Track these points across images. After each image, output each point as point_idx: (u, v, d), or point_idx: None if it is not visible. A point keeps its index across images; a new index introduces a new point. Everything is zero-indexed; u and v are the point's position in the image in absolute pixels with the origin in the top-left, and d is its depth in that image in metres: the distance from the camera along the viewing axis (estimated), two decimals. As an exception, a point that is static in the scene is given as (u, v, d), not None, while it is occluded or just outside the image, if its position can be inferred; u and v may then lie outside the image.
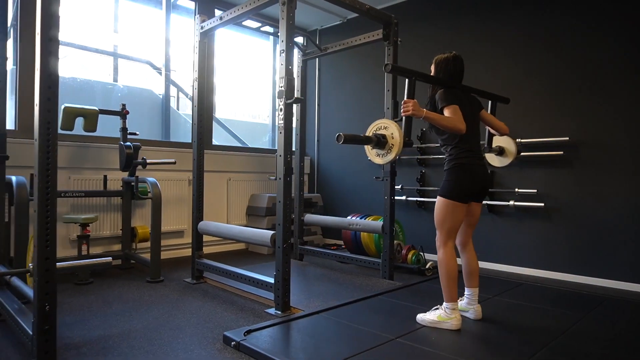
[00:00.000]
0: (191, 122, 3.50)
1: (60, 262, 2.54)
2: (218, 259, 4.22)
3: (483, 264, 4.14)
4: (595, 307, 2.82)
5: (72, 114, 3.39)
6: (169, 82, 4.77)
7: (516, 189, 3.88)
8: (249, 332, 2.24)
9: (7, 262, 2.85)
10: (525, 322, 2.51)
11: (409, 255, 3.88)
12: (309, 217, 4.16)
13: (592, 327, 2.45)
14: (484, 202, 4.06)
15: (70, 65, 4.18)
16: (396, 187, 4.63)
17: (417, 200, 4.57)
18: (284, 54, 2.65)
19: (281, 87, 2.65)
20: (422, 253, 3.94)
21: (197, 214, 3.44)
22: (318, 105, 5.66)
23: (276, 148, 2.71)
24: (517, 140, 3.83)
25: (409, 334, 2.28)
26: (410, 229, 4.68)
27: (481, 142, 2.59)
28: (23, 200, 2.80)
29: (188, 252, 4.36)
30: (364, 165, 4.97)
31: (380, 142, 2.26)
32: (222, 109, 5.90)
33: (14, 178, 2.85)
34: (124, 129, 3.70)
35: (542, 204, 3.74)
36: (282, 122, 2.67)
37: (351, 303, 2.81)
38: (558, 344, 2.17)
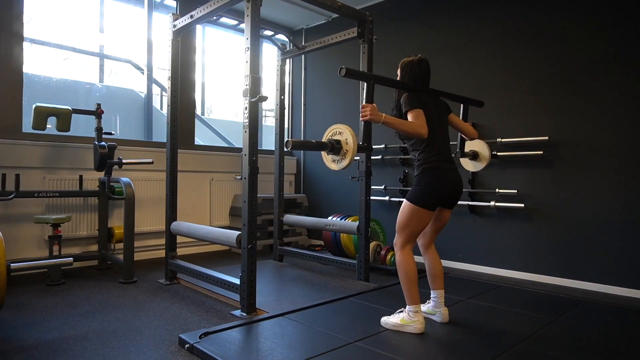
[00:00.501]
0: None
1: (20, 263, 2.52)
2: (199, 260, 4.21)
3: (462, 266, 4.08)
4: (568, 310, 2.75)
5: (43, 114, 3.36)
6: (151, 81, 4.74)
7: (497, 190, 3.82)
8: (206, 334, 2.20)
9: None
10: (493, 326, 2.45)
11: (388, 257, 3.83)
12: (288, 217, 4.12)
13: (560, 330, 2.39)
14: (466, 202, 4.00)
15: (50, 65, 4.16)
16: (379, 187, 4.61)
17: (400, 201, 4.51)
18: (249, 52, 2.61)
19: (246, 85, 2.61)
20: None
21: (170, 214, 3.41)
22: (304, 104, 5.63)
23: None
24: (497, 139, 3.79)
25: (370, 337, 2.23)
26: (393, 230, 4.62)
27: (453, 145, 2.54)
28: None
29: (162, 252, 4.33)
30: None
31: (334, 147, 2.17)
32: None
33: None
34: (98, 129, 3.67)
35: (522, 205, 3.68)
36: (246, 120, 2.62)
37: (319, 305, 2.76)
38: (520, 349, 2.11)
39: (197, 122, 5.01)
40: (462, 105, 2.83)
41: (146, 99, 4.77)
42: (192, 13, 3.15)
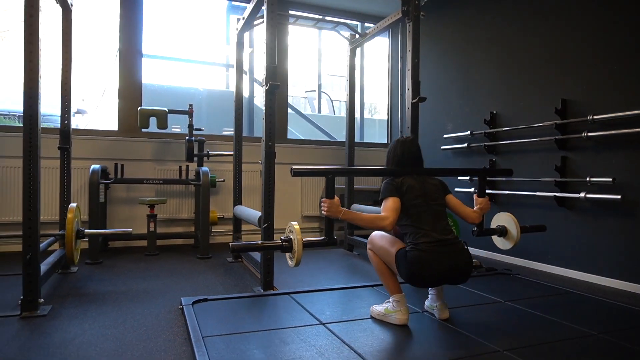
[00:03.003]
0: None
1: (93, 230, 3.17)
2: None
3: (549, 269, 3.47)
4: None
5: (146, 115, 4.10)
6: (252, 82, 5.28)
7: (588, 178, 3.14)
8: (204, 300, 2.44)
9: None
10: (495, 330, 2.10)
11: (451, 251, 3.50)
12: (354, 206, 4.11)
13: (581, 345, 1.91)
14: (552, 193, 3.40)
15: (160, 74, 5.04)
16: (464, 178, 4.23)
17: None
18: (265, 43, 2.77)
19: (263, 74, 2.78)
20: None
21: (235, 199, 3.78)
22: (400, 94, 5.47)
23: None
24: (589, 117, 3.12)
25: (341, 322, 2.16)
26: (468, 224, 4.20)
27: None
28: (94, 184, 3.57)
29: (259, 237, 4.77)
30: (438, 155, 4.65)
31: (285, 247, 2.10)
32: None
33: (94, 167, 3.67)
34: (190, 126, 4.29)
35: (619, 197, 2.95)
36: (264, 108, 2.79)
37: (334, 290, 2.75)
38: (496, 356, 1.78)
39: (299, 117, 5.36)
40: (477, 178, 2.48)
41: (249, 99, 5.34)
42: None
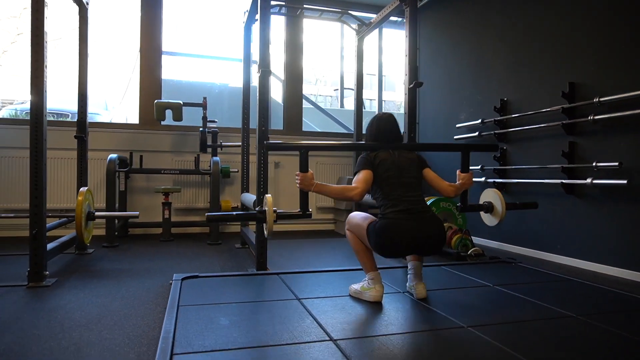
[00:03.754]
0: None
1: (103, 212, 3.37)
2: (300, 235, 4.62)
3: (558, 259, 3.35)
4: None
5: (162, 107, 4.30)
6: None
7: (595, 163, 3.01)
8: (192, 277, 2.56)
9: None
10: (469, 309, 2.08)
11: (454, 239, 3.46)
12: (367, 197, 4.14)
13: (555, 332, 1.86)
14: (560, 180, 3.28)
15: (182, 70, 5.25)
16: (475, 167, 4.16)
17: (494, 182, 3.96)
18: (260, 31, 2.86)
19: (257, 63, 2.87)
20: (467, 237, 3.45)
21: (243, 187, 3.90)
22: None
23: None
24: (595, 99, 2.99)
25: (322, 298, 2.21)
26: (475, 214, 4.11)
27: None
28: (110, 172, 3.80)
29: (283, 227, 4.90)
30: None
31: (259, 218, 2.19)
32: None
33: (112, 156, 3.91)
34: (203, 118, 4.46)
35: (625, 181, 2.81)
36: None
37: (322, 272, 2.78)
38: (457, 332, 1.77)
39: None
40: (460, 153, 2.44)
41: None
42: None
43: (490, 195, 2.57)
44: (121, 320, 1.94)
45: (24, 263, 2.56)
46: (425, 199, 3.67)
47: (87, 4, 3.49)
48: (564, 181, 3.25)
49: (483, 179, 4.10)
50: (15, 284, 2.47)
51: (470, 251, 3.31)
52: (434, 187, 2.31)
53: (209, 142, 4.46)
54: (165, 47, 4.83)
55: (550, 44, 3.50)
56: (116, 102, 5.61)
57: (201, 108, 4.49)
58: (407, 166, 2.21)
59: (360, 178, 2.13)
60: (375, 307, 2.09)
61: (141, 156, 4.41)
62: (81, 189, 3.07)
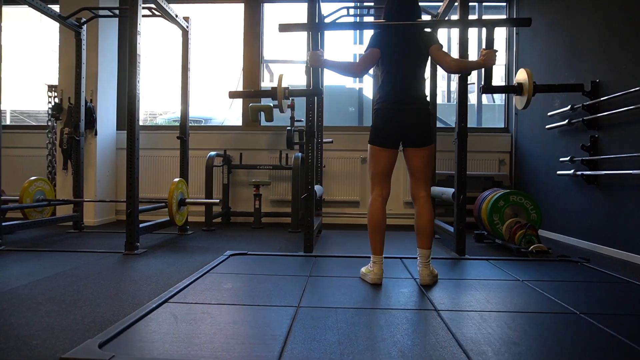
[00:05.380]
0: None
1: (193, 199, 4.01)
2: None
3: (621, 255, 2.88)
4: None
5: (255, 110, 4.87)
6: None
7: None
8: (241, 254, 2.96)
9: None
10: (460, 297, 2.02)
11: (518, 234, 3.22)
12: (434, 189, 4.08)
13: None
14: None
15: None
16: (564, 158, 3.77)
17: (582, 174, 3.52)
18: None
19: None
20: (533, 232, 3.17)
21: (316, 179, 4.21)
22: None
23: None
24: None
25: (330, 277, 2.39)
26: (572, 210, 3.68)
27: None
28: (209, 167, 4.49)
29: (361, 220, 5.11)
30: (546, 135, 4.20)
31: (271, 92, 2.52)
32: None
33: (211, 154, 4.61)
34: (291, 118, 4.89)
35: None
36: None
37: (361, 257, 2.92)
38: (423, 314, 1.79)
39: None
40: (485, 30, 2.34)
41: (358, 91, 5.72)
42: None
43: (521, 76, 2.40)
44: (163, 279, 2.42)
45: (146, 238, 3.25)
46: (493, 193, 3.51)
47: (188, 28, 4.20)
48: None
49: (572, 171, 3.67)
50: (116, 251, 3.20)
51: (532, 247, 3.06)
52: (438, 64, 2.32)
53: (296, 140, 4.88)
54: (267, 55, 5.44)
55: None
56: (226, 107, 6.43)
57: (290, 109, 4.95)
58: (414, 44, 2.28)
59: (366, 56, 2.30)
60: (370, 288, 2.18)
61: (241, 153, 5.07)
62: (174, 180, 3.75)
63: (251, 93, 3.22)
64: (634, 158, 3.04)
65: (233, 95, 2.77)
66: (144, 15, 4.11)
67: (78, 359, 1.26)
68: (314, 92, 2.60)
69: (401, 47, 2.27)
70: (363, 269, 2.37)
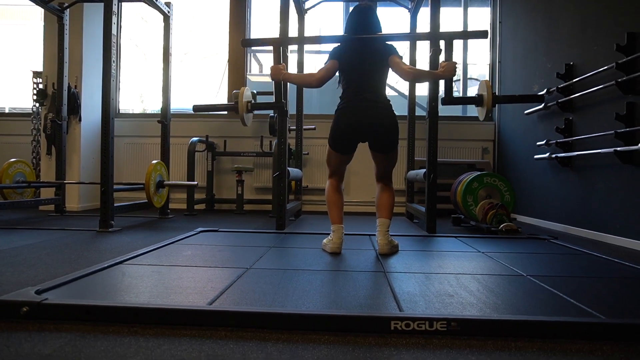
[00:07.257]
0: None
1: (172, 181, 4.03)
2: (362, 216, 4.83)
3: (609, 239, 2.89)
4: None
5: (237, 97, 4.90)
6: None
7: (646, 124, 2.54)
8: (212, 230, 2.99)
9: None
10: (411, 263, 2.04)
11: (489, 214, 3.24)
12: (410, 173, 4.10)
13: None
14: (612, 148, 2.83)
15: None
16: (541, 143, 3.79)
17: (557, 157, 3.54)
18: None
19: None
20: (503, 212, 3.18)
21: (296, 164, 4.24)
22: (499, 62, 5.05)
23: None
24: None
25: (291, 248, 2.41)
26: (548, 194, 3.69)
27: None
28: (191, 152, 4.51)
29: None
30: (527, 121, 4.22)
31: (234, 107, 2.55)
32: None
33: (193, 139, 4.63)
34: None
35: (675, 142, 2.33)
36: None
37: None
38: (369, 274, 1.81)
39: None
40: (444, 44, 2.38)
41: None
42: None
43: (480, 87, 2.46)
44: (128, 250, 2.44)
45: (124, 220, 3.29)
46: (468, 175, 3.53)
47: (169, 13, 4.23)
48: (619, 149, 2.79)
49: (547, 154, 3.69)
50: (91, 229, 3.23)
51: (501, 226, 3.08)
52: (395, 72, 2.32)
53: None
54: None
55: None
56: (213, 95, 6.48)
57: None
58: (371, 55, 2.30)
59: (324, 67, 2.32)
60: (327, 257, 2.20)
61: (225, 140, 5.10)
62: (151, 162, 3.78)
63: (215, 107, 3.33)
64: (602, 138, 3.05)
65: (197, 109, 2.86)
66: (124, 0, 4.16)
67: (12, 301, 1.28)
68: (278, 106, 2.63)
69: (359, 58, 2.29)
70: (324, 240, 2.39)
